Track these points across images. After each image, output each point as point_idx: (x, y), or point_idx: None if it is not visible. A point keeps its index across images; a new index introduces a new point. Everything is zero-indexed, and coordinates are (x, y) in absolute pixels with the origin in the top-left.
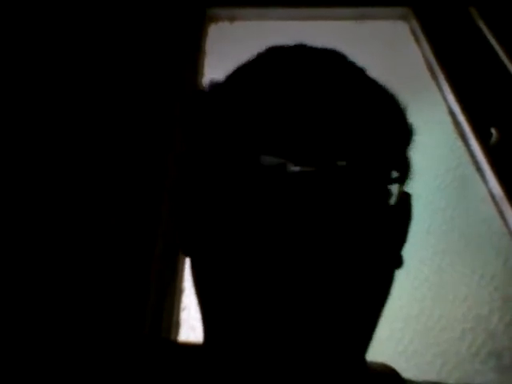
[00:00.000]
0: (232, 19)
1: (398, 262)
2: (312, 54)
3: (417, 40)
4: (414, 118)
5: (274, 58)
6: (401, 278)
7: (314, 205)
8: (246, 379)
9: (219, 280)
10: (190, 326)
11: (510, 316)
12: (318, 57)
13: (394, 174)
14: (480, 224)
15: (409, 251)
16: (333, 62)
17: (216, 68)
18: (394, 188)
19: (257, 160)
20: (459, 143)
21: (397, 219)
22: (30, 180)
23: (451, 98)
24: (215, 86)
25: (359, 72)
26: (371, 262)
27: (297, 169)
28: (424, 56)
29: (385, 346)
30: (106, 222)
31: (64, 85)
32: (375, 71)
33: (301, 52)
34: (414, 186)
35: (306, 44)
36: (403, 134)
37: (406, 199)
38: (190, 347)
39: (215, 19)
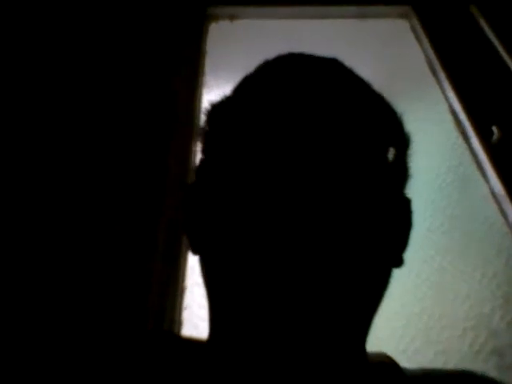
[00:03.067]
0: (232, 18)
1: (397, 262)
2: (312, 65)
3: (417, 38)
4: (416, 116)
5: (277, 71)
6: (402, 276)
7: (314, 202)
8: (250, 371)
9: (227, 276)
10: (193, 325)
11: None
12: (318, 69)
13: (392, 178)
14: (481, 222)
15: (410, 250)
16: (332, 73)
17: (216, 66)
18: (393, 190)
19: (262, 164)
20: (460, 142)
21: (395, 220)
22: (32, 181)
23: (452, 96)
24: (225, 100)
25: (355, 81)
26: (367, 257)
27: (297, 169)
28: (425, 54)
29: (386, 344)
30: (109, 222)
31: (63, 83)
32: (376, 70)
33: (301, 65)
34: (415, 185)
35: (306, 54)
36: (398, 140)
37: (405, 204)
38: (194, 342)
39: (215, 18)
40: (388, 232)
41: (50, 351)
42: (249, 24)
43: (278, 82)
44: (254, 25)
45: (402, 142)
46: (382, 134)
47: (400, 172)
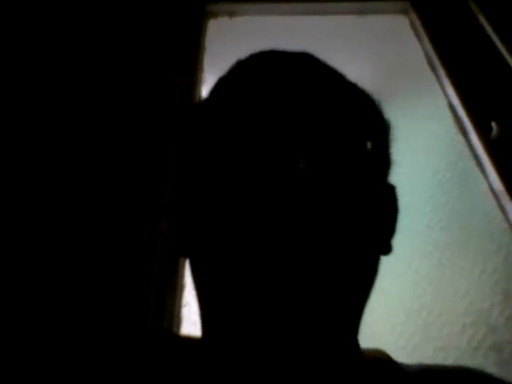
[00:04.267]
0: (231, 14)
1: (386, 249)
2: (283, 61)
3: (417, 34)
4: (415, 112)
5: (249, 70)
6: (401, 272)
7: (298, 202)
8: (243, 369)
9: (216, 277)
10: (192, 322)
11: (511, 310)
12: (289, 64)
13: (373, 166)
14: (480, 218)
15: (410, 246)
16: (304, 67)
17: (215, 63)
18: (375, 178)
19: (242, 166)
20: (459, 138)
21: (380, 208)
22: (32, 180)
23: (451, 92)
24: (201, 103)
25: (329, 73)
26: (354, 247)
27: (282, 169)
28: (424, 50)
29: (386, 340)
30: (110, 220)
31: (63, 82)
32: (375, 66)
33: (272, 61)
34: (414, 182)
35: (277, 50)
36: (377, 128)
37: (390, 190)
38: (191, 340)
39: (214, 15)
40: (374, 220)
41: (49, 349)
42: (248, 21)
43: (250, 81)
44: (253, 22)
45: (381, 129)
46: (359, 123)
47: (381, 160)
